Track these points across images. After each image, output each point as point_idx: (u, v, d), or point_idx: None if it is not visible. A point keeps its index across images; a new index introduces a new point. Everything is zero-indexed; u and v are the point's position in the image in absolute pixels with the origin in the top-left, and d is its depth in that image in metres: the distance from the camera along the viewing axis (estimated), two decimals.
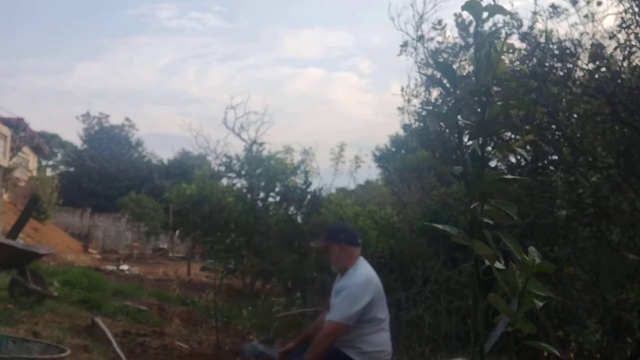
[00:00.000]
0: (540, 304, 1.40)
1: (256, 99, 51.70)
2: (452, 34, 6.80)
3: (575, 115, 5.70)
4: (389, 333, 3.75)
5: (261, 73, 68.53)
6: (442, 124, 1.63)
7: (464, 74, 5.54)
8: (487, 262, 1.41)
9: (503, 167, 6.56)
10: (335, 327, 3.48)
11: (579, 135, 5.79)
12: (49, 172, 32.51)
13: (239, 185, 12.54)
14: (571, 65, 5.79)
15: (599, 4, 5.56)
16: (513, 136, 6.28)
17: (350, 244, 3.70)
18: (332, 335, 3.47)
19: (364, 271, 3.67)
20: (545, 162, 6.65)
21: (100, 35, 68.93)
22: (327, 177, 12.06)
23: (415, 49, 6.73)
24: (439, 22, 6.71)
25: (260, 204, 12.00)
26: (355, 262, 3.68)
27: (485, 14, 1.45)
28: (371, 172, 22.80)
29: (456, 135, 1.51)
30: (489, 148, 1.50)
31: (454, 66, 4.81)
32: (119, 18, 67.96)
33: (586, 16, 5.66)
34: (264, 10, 76.49)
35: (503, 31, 5.78)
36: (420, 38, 6.71)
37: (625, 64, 5.46)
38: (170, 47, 69.89)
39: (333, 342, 3.49)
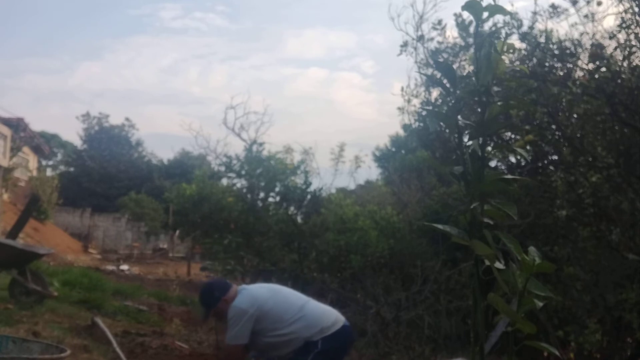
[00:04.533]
0: (540, 304, 1.40)
1: (257, 99, 51.76)
2: (452, 34, 6.81)
3: (575, 115, 5.70)
4: (314, 307, 3.89)
5: (263, 73, 68.65)
6: (442, 124, 1.63)
7: (464, 74, 5.54)
8: (487, 262, 1.41)
9: (503, 167, 6.56)
10: (230, 349, 3.84)
11: (579, 135, 5.79)
12: (49, 172, 32.49)
13: (239, 185, 12.53)
14: (571, 65, 5.79)
15: (599, 4, 5.57)
16: (513, 136, 6.28)
17: (225, 291, 3.88)
18: (228, 356, 3.94)
19: (243, 294, 3.86)
20: (545, 162, 6.65)
21: (102, 35, 69.08)
22: (327, 177, 12.03)
23: (415, 49, 6.73)
24: (439, 22, 6.72)
25: (260, 204, 11.99)
26: (236, 297, 3.86)
27: (485, 14, 1.45)
28: (371, 172, 22.74)
29: (456, 135, 1.51)
30: (489, 148, 1.50)
31: (454, 66, 4.81)
32: (121, 18, 68.07)
33: (586, 16, 5.66)
34: (267, 10, 76.65)
35: (503, 31, 5.79)
36: (420, 38, 6.71)
37: (625, 64, 5.46)
38: (173, 47, 70.01)
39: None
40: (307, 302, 3.92)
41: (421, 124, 7.95)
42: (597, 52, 5.53)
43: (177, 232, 17.21)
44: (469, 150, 1.46)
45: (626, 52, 5.48)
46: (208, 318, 4.10)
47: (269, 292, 3.94)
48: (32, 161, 26.18)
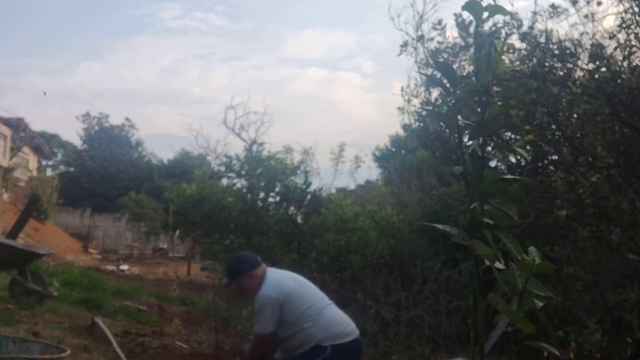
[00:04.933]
0: (540, 304, 1.40)
1: (257, 99, 51.73)
2: (452, 34, 6.80)
3: (575, 115, 5.70)
4: (333, 309, 3.88)
5: (263, 73, 68.69)
6: (442, 124, 1.63)
7: (464, 74, 5.54)
8: (487, 262, 1.41)
9: (503, 167, 6.56)
10: (260, 338, 3.81)
11: (579, 135, 5.79)
12: (49, 172, 32.48)
13: (239, 185, 12.51)
14: (571, 65, 5.79)
15: (599, 4, 5.57)
16: (513, 136, 6.28)
17: (254, 268, 3.90)
18: (260, 345, 3.85)
19: (271, 280, 3.87)
20: (545, 162, 6.65)
21: (102, 35, 69.11)
22: (327, 177, 12.01)
23: (415, 49, 6.73)
24: (439, 22, 6.72)
25: (260, 204, 11.98)
26: (263, 279, 3.87)
27: (485, 14, 1.45)
28: (371, 172, 22.74)
29: (456, 135, 1.51)
30: (489, 148, 1.50)
31: (454, 66, 4.82)
32: (121, 18, 68.09)
33: (586, 16, 5.66)
34: (267, 10, 76.71)
35: (503, 31, 5.78)
36: (420, 38, 6.71)
37: (625, 64, 5.46)
38: (173, 47, 70.06)
39: (264, 351, 3.84)
40: (329, 304, 3.90)
41: (421, 124, 7.95)
42: (597, 52, 5.53)
43: (177, 232, 17.20)
44: (469, 150, 1.46)
45: (626, 52, 5.47)
46: (229, 287, 4.03)
47: (294, 283, 3.92)
48: (32, 161, 26.17)
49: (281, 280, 3.90)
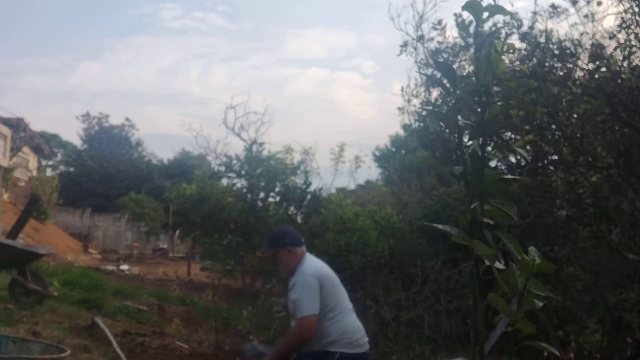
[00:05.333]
0: (540, 304, 1.40)
1: (257, 99, 51.80)
2: (452, 34, 6.80)
3: (575, 115, 5.70)
4: (353, 315, 3.82)
5: (263, 73, 68.70)
6: (442, 124, 1.63)
7: (464, 74, 5.54)
8: (487, 262, 1.41)
9: (503, 167, 6.56)
10: (309, 322, 3.57)
11: (579, 135, 5.79)
12: (49, 172, 32.49)
13: (239, 185, 12.52)
14: (571, 65, 5.79)
15: (599, 4, 5.56)
16: (513, 136, 6.28)
17: (295, 245, 3.81)
18: (308, 330, 3.57)
19: (310, 262, 3.79)
20: (545, 162, 6.65)
21: (102, 35, 69.10)
22: (327, 177, 12.03)
23: (415, 49, 6.73)
24: (439, 22, 6.71)
25: (260, 204, 11.98)
26: (301, 260, 3.78)
27: (485, 14, 1.45)
28: (371, 172, 22.76)
29: (456, 135, 1.51)
30: (489, 148, 1.50)
31: (454, 66, 4.81)
32: (122, 18, 68.10)
33: (586, 16, 5.66)
34: (267, 10, 76.71)
35: (503, 31, 5.78)
36: (420, 38, 6.71)
37: (625, 64, 5.46)
38: (173, 47, 70.06)
39: (309, 337, 3.58)
40: (351, 310, 3.84)
41: (421, 124, 7.95)
42: (597, 52, 5.53)
43: (177, 232, 17.21)
44: (469, 150, 1.46)
45: (626, 52, 5.47)
46: (265, 253, 3.90)
47: (331, 274, 3.83)
48: (32, 161, 26.17)
49: (323, 265, 3.85)
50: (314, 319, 3.55)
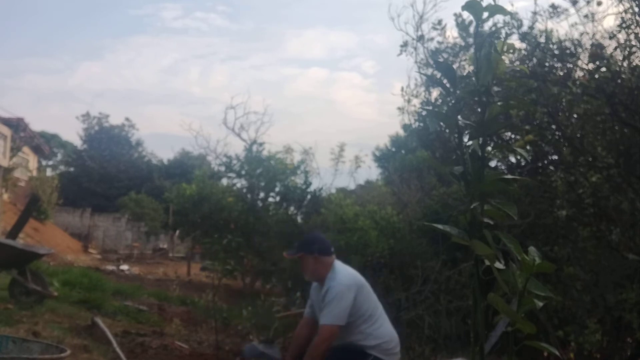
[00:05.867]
0: (540, 304, 1.40)
1: (257, 99, 51.89)
2: (452, 34, 6.80)
3: (575, 115, 5.69)
4: (389, 322, 3.84)
5: (264, 73, 68.71)
6: (442, 124, 1.63)
7: (464, 74, 5.53)
8: (487, 262, 1.41)
9: (503, 167, 6.56)
10: (330, 331, 3.58)
11: (579, 135, 5.79)
12: (49, 172, 32.48)
13: (239, 185, 12.53)
14: (571, 65, 5.79)
15: (599, 4, 5.56)
16: (513, 136, 6.28)
17: (323, 254, 3.80)
18: (328, 339, 3.59)
19: (343, 270, 3.79)
20: (545, 162, 6.64)
21: (103, 35, 69.14)
22: (327, 177, 12.04)
23: (415, 49, 6.73)
24: (439, 22, 6.71)
25: (260, 204, 11.99)
26: (331, 268, 3.77)
27: (485, 14, 1.45)
28: (371, 172, 22.79)
29: (456, 135, 1.51)
30: (489, 148, 1.50)
31: (454, 66, 4.81)
32: (122, 18, 68.12)
33: (586, 16, 5.66)
34: (267, 10, 76.70)
35: (503, 31, 5.78)
36: (420, 38, 6.71)
37: (625, 64, 5.46)
38: (173, 47, 70.07)
39: (329, 345, 3.59)
40: (385, 315, 3.86)
41: (421, 124, 7.95)
42: (597, 52, 5.53)
43: (177, 232, 17.22)
44: (469, 150, 1.46)
45: (626, 52, 5.47)
46: (291, 255, 3.93)
47: (362, 280, 3.83)
48: (32, 161, 26.17)
49: (355, 274, 3.83)
50: (335, 329, 3.58)
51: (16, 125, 21.49)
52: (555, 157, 6.48)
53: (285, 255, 4.17)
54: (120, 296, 9.31)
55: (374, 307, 3.77)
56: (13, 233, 7.80)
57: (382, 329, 3.74)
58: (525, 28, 5.83)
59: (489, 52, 1.44)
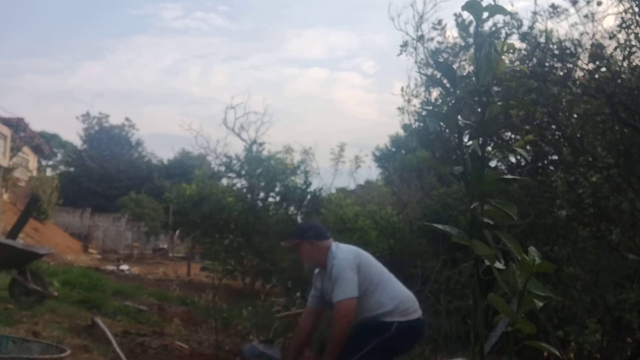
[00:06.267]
0: (540, 304, 1.40)
1: (257, 99, 51.98)
2: (452, 34, 6.80)
3: (575, 115, 5.69)
4: (399, 284, 3.88)
5: (264, 73, 68.73)
6: (442, 124, 1.63)
7: (464, 74, 5.53)
8: (487, 262, 1.41)
9: (503, 167, 6.56)
10: (346, 306, 3.59)
11: (579, 135, 5.79)
12: (49, 172, 32.49)
13: (239, 185, 12.54)
14: (571, 65, 5.79)
15: (599, 4, 5.56)
16: (513, 136, 6.28)
17: (320, 239, 3.86)
18: (347, 315, 3.59)
19: (341, 248, 3.84)
20: (545, 162, 6.64)
21: (103, 35, 69.19)
22: (327, 177, 12.05)
23: (415, 49, 6.73)
24: (439, 22, 6.71)
25: (260, 204, 11.99)
26: (328, 252, 3.82)
27: (485, 14, 1.45)
28: (371, 172, 22.80)
29: (456, 135, 1.51)
30: (489, 148, 1.50)
31: (454, 66, 4.80)
32: (122, 18, 68.15)
33: (586, 16, 5.66)
34: (267, 10, 76.72)
35: (503, 31, 5.78)
36: (420, 38, 6.71)
37: (625, 64, 5.46)
38: (173, 47, 70.10)
39: (351, 321, 3.59)
40: (394, 277, 3.89)
41: (421, 124, 7.95)
42: (597, 52, 5.53)
43: (177, 232, 17.22)
44: (469, 150, 1.46)
45: (626, 52, 5.47)
46: (289, 243, 3.99)
47: (360, 252, 3.89)
48: (32, 161, 26.17)
49: (352, 247, 3.91)
50: (352, 302, 3.58)
51: (16, 125, 21.49)
52: (555, 157, 6.48)
53: (283, 244, 4.22)
54: (120, 296, 9.31)
55: (380, 273, 3.82)
56: (13, 233, 7.79)
57: (394, 291, 3.77)
58: (525, 28, 5.83)
59: (489, 52, 1.44)
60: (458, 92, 1.49)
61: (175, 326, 7.50)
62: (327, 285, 3.80)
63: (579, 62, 5.82)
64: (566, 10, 5.80)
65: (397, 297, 3.75)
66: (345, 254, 3.76)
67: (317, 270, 3.98)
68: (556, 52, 5.75)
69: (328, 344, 3.70)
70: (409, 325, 3.70)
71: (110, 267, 16.44)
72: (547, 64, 5.81)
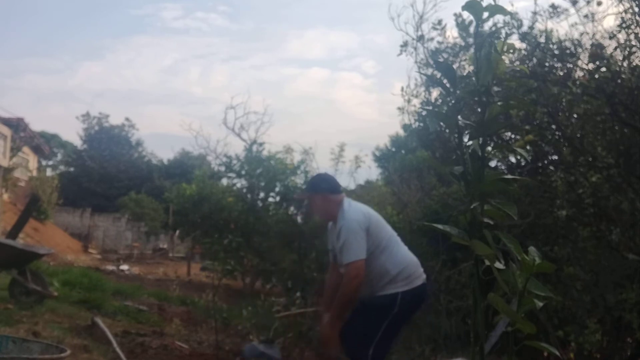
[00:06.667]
0: (540, 304, 1.40)
1: (257, 99, 51.93)
2: (452, 34, 6.80)
3: (575, 115, 5.69)
4: (406, 249, 3.87)
5: (264, 73, 68.77)
6: (442, 124, 1.63)
7: (464, 74, 5.53)
8: (487, 262, 1.41)
9: (503, 167, 6.56)
10: (355, 267, 3.59)
11: (579, 135, 5.79)
12: (49, 172, 32.49)
13: (239, 185, 12.52)
14: (571, 65, 5.79)
15: (599, 4, 5.56)
16: (513, 136, 6.28)
17: (332, 192, 3.86)
18: (356, 276, 3.59)
19: (352, 207, 3.83)
20: (545, 162, 6.64)
21: (103, 35, 69.25)
22: None
23: (415, 49, 6.73)
24: (439, 22, 6.71)
25: (260, 204, 11.98)
26: (341, 206, 3.82)
27: (485, 14, 1.45)
28: (371, 172, 22.81)
29: (456, 135, 1.51)
30: (489, 148, 1.50)
31: (454, 66, 4.80)
32: (122, 18, 68.18)
33: (586, 16, 5.66)
34: (268, 10, 76.77)
35: (503, 31, 5.78)
36: (420, 38, 6.70)
37: (625, 64, 5.46)
38: (174, 47, 70.13)
39: (361, 281, 3.59)
40: (401, 242, 3.88)
41: (421, 124, 7.94)
42: (597, 52, 5.53)
43: (177, 232, 17.22)
44: (469, 150, 1.46)
45: (626, 52, 5.47)
46: (300, 195, 4.03)
47: (372, 213, 3.87)
48: (32, 161, 26.18)
49: (364, 207, 3.89)
50: (361, 263, 3.58)
51: (16, 125, 21.49)
52: (555, 157, 6.47)
53: (295, 196, 4.23)
54: (120, 296, 9.30)
55: (389, 237, 3.80)
56: (13, 233, 7.79)
57: (400, 257, 3.76)
58: (525, 28, 5.83)
59: (489, 52, 1.44)
60: (458, 92, 1.49)
61: (175, 326, 7.49)
62: (335, 243, 3.80)
63: (579, 62, 5.82)
64: (566, 10, 5.80)
65: (402, 262, 3.74)
66: (356, 214, 3.73)
67: (330, 225, 3.97)
68: (556, 52, 5.75)
69: (337, 302, 3.69)
70: (412, 294, 3.70)
71: (110, 267, 16.44)
72: (547, 64, 5.81)
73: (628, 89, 5.28)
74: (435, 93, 7.02)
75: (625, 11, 5.43)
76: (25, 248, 7.26)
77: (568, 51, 5.72)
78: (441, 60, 6.52)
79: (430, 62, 6.61)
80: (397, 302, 3.64)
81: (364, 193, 13.26)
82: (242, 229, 11.43)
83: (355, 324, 3.70)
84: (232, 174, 12.46)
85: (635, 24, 5.41)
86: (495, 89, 1.46)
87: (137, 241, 27.33)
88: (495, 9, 1.44)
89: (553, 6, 5.81)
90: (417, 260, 3.89)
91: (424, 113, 7.71)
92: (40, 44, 69.51)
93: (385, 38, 74.97)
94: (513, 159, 6.54)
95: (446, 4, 13.82)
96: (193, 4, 73.29)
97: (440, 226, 1.46)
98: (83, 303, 7.74)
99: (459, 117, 1.47)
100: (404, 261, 3.77)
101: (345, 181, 12.72)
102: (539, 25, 5.89)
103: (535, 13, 5.85)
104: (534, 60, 5.76)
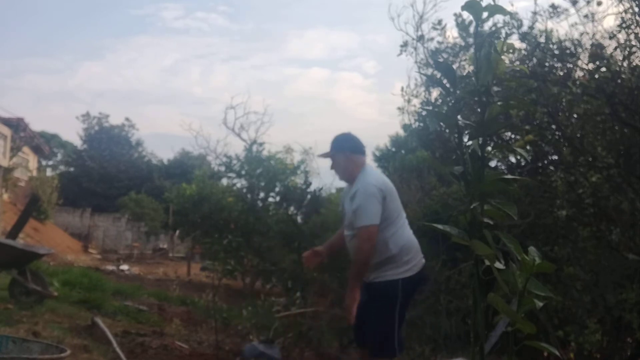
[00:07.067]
0: (540, 304, 1.40)
1: (257, 99, 52.00)
2: (452, 34, 6.80)
3: (575, 115, 5.69)
4: (411, 234, 3.88)
5: (264, 73, 68.77)
6: (442, 124, 1.63)
7: (464, 74, 5.53)
8: (487, 262, 1.41)
9: (503, 167, 6.56)
10: (368, 231, 3.56)
11: (579, 135, 5.79)
12: (49, 172, 32.50)
13: (239, 185, 12.54)
14: (571, 65, 5.79)
15: (599, 4, 5.56)
16: (513, 136, 6.28)
17: (355, 152, 3.81)
18: (369, 239, 3.56)
19: (373, 173, 3.82)
20: (545, 162, 6.64)
21: (103, 35, 69.26)
22: (327, 177, 12.04)
23: (415, 49, 6.72)
24: (439, 22, 6.71)
25: (260, 204, 11.99)
26: (362, 168, 3.78)
27: (485, 14, 1.45)
28: None
29: (456, 135, 1.51)
30: (489, 148, 1.50)
31: (454, 66, 4.81)
32: (123, 18, 68.19)
33: (586, 16, 5.66)
34: (268, 10, 76.78)
35: (503, 31, 5.78)
36: (420, 38, 6.70)
37: (625, 64, 5.46)
38: (174, 47, 70.12)
39: (373, 245, 3.56)
40: (405, 220, 3.86)
41: (421, 124, 7.94)
42: (597, 52, 5.53)
43: (177, 232, 17.23)
44: (469, 150, 1.46)
45: (626, 52, 5.47)
46: (324, 155, 3.92)
47: (391, 184, 3.83)
48: (32, 161, 26.18)
49: (385, 177, 3.87)
50: (374, 229, 3.55)
51: (16, 125, 21.49)
52: (555, 157, 6.47)
53: (318, 155, 4.19)
54: (120, 296, 9.30)
55: (399, 213, 3.79)
56: (13, 233, 7.79)
57: (403, 237, 3.74)
58: (525, 28, 5.83)
59: (489, 52, 1.44)
60: (458, 92, 1.49)
61: (175, 326, 7.49)
62: (347, 204, 3.76)
63: (579, 62, 5.82)
64: (566, 10, 5.80)
65: (404, 244, 3.72)
66: (376, 180, 3.69)
67: (346, 187, 3.94)
68: (556, 52, 5.75)
69: (352, 268, 3.67)
70: (412, 281, 3.69)
71: (110, 267, 16.44)
72: (547, 64, 5.81)
73: (628, 89, 5.28)
74: (435, 93, 7.02)
75: (625, 11, 5.43)
76: (25, 248, 7.26)
77: (568, 51, 5.72)
78: (441, 60, 6.52)
79: (430, 62, 6.61)
80: (399, 289, 3.63)
81: None
82: (242, 229, 11.43)
83: (370, 321, 3.66)
84: (232, 174, 12.47)
85: (635, 24, 5.41)
86: (495, 89, 1.46)
87: (137, 241, 27.33)
88: (495, 9, 1.44)
89: (553, 6, 5.81)
90: (418, 244, 3.86)
91: (424, 113, 7.71)
92: (40, 44, 69.58)
93: (386, 38, 75.09)
94: (513, 159, 6.54)
95: (446, 4, 13.82)
96: (193, 4, 73.37)
97: (440, 226, 1.46)
98: (83, 303, 7.74)
99: (459, 117, 1.47)
100: (407, 243, 3.74)
101: None
102: (539, 25, 5.90)
103: (535, 13, 5.85)
104: (534, 60, 5.76)
